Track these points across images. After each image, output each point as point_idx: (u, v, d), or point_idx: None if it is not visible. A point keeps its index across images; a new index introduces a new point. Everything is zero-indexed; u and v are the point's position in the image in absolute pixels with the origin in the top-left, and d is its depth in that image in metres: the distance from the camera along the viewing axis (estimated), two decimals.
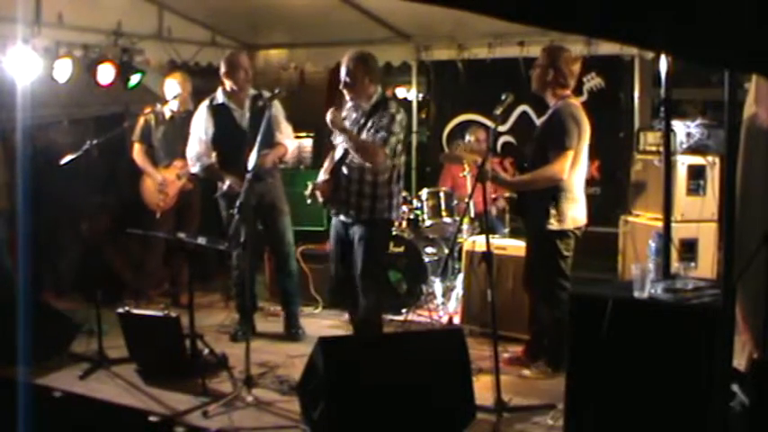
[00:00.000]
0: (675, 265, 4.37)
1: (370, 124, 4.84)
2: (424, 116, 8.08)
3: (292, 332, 5.70)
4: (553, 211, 4.63)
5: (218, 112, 5.68)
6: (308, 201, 5.05)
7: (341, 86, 4.92)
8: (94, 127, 6.92)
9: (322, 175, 5.08)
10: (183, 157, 6.37)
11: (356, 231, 4.92)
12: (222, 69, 5.62)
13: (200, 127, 5.71)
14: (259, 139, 4.83)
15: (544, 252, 4.73)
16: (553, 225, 4.64)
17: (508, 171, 7.05)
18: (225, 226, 5.51)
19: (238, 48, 7.66)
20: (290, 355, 5.15)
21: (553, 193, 4.63)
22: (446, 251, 5.99)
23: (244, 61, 5.66)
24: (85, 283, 6.15)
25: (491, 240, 4.53)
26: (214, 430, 4.11)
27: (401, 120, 4.86)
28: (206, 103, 5.74)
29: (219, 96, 5.68)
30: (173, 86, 6.33)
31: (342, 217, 4.98)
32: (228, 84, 5.60)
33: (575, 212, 4.70)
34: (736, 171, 3.42)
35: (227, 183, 5.60)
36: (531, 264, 4.95)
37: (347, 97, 4.96)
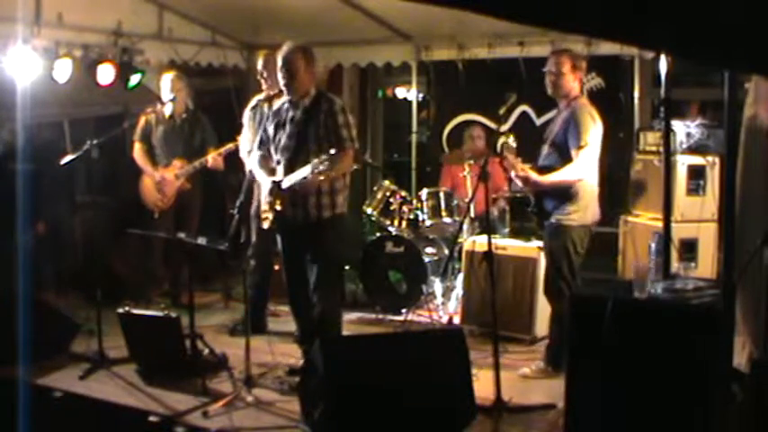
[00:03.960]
0: (675, 265, 4.38)
1: (319, 121, 4.63)
2: (424, 116, 8.08)
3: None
4: (574, 207, 4.69)
5: (254, 112, 5.65)
6: (265, 225, 4.78)
7: (279, 79, 4.70)
8: (94, 127, 6.92)
9: (272, 184, 4.69)
10: (183, 156, 6.39)
11: (311, 236, 4.68)
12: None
13: (245, 124, 5.71)
14: (258, 140, 4.82)
15: (561, 247, 4.74)
16: (574, 220, 4.69)
17: (508, 171, 7.05)
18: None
19: (239, 48, 7.66)
20: (290, 355, 5.14)
21: (574, 189, 4.68)
22: (446, 251, 5.98)
23: (270, 65, 5.49)
24: (85, 283, 6.15)
25: (491, 240, 4.54)
26: (214, 430, 4.11)
27: (346, 108, 4.77)
28: (250, 104, 5.71)
29: (254, 99, 5.64)
30: (165, 82, 6.34)
31: (298, 222, 4.71)
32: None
33: (594, 207, 4.78)
34: (736, 171, 3.43)
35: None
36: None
37: (284, 92, 4.74)
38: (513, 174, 4.80)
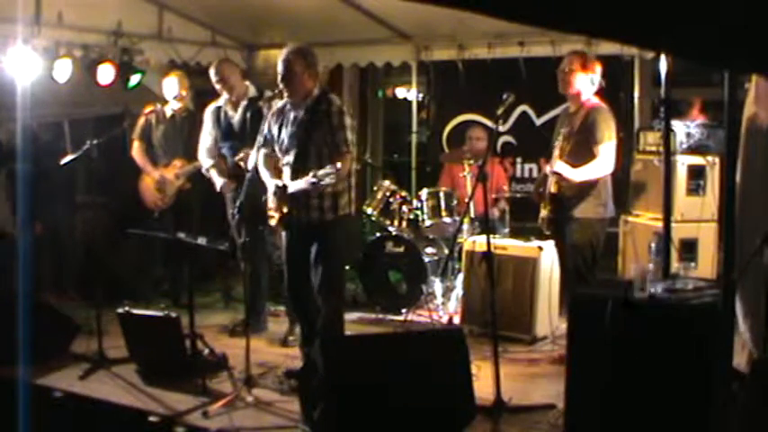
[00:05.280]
0: (675, 265, 4.38)
1: (317, 122, 4.63)
2: (424, 116, 8.08)
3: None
4: (596, 202, 4.86)
5: (217, 115, 5.79)
6: (272, 222, 4.80)
7: (278, 81, 4.70)
8: (94, 127, 6.92)
9: (276, 188, 4.71)
10: (183, 156, 6.40)
11: (316, 237, 4.67)
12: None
13: (205, 128, 5.84)
14: (262, 139, 4.82)
15: (586, 241, 4.87)
16: (597, 214, 4.87)
17: (508, 171, 7.07)
18: (229, 222, 5.65)
19: (239, 48, 7.66)
20: (290, 356, 5.15)
21: (594, 186, 4.84)
22: (446, 251, 5.98)
23: (225, 71, 5.68)
24: (85, 283, 6.15)
25: (491, 240, 4.54)
26: (214, 430, 4.11)
27: (347, 110, 4.78)
28: (212, 105, 5.83)
29: (220, 99, 5.78)
30: (171, 85, 6.34)
31: (302, 223, 4.71)
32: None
33: (611, 202, 4.98)
34: (736, 171, 3.43)
35: (219, 185, 5.73)
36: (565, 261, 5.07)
37: (284, 94, 4.73)
38: (548, 169, 4.98)
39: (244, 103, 5.67)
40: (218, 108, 5.78)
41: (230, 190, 5.67)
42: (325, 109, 4.67)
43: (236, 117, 5.70)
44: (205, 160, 5.84)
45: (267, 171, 4.83)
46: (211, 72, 5.72)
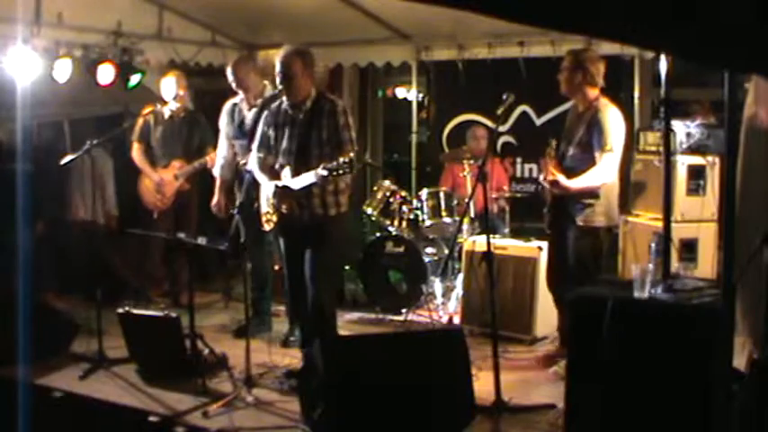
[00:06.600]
0: (675, 265, 4.37)
1: (321, 123, 4.65)
2: (424, 116, 8.08)
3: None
4: (599, 209, 4.75)
5: (232, 112, 5.76)
6: (267, 227, 4.83)
7: (277, 81, 4.70)
8: (94, 127, 6.92)
9: (276, 188, 4.67)
10: (182, 157, 6.40)
11: (317, 233, 4.69)
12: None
13: (221, 125, 5.85)
14: (258, 139, 4.82)
15: (588, 249, 4.79)
16: (601, 222, 4.76)
17: (508, 171, 7.07)
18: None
19: (239, 48, 7.65)
20: (290, 356, 5.15)
21: (598, 192, 4.74)
22: (446, 251, 5.98)
23: (240, 72, 5.62)
24: (85, 283, 6.14)
25: (491, 240, 4.54)
26: (214, 430, 4.11)
27: (347, 110, 4.80)
28: (230, 100, 5.81)
29: (238, 96, 5.74)
30: (169, 85, 6.34)
31: (303, 222, 4.71)
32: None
33: (616, 207, 4.88)
34: (736, 171, 3.43)
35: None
36: (558, 263, 4.97)
37: (283, 96, 4.72)
38: (542, 177, 4.91)
39: (258, 102, 5.61)
40: (234, 105, 5.75)
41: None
42: (330, 108, 4.69)
43: (248, 116, 5.66)
44: (219, 158, 5.90)
45: (264, 174, 4.80)
46: (228, 72, 5.65)
